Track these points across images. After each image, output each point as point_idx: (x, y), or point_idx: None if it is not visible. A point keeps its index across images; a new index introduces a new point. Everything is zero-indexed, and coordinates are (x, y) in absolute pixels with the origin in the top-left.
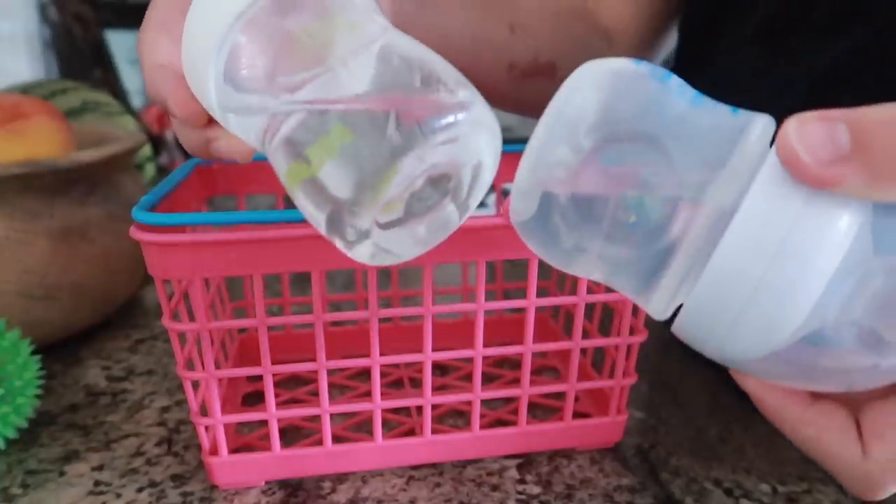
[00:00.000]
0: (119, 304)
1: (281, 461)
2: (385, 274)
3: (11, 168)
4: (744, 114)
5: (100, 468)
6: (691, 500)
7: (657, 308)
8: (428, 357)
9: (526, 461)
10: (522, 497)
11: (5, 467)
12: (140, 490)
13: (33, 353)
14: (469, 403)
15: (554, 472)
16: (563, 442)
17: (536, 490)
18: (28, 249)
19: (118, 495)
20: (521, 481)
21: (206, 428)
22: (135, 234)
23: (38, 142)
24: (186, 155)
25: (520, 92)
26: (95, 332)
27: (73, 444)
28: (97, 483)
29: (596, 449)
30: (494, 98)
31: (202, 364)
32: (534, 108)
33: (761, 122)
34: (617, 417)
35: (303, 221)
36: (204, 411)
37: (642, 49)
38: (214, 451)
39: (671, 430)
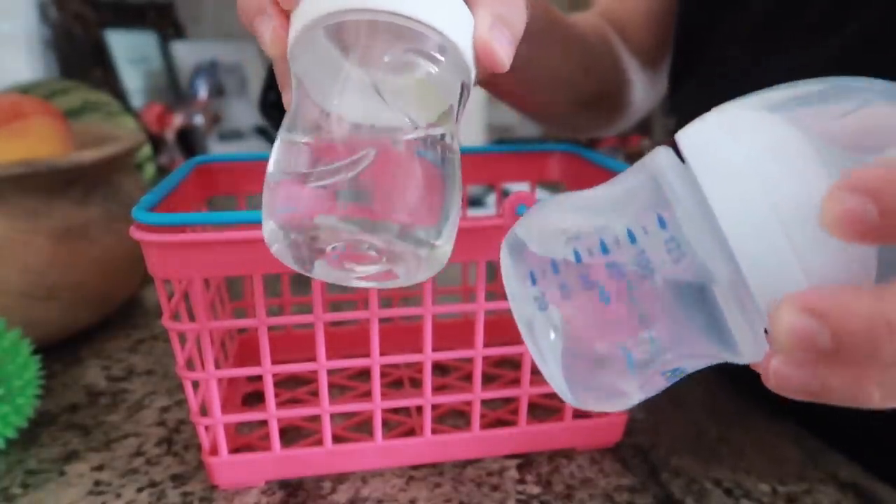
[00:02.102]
0: (119, 304)
1: (281, 461)
2: None
3: (11, 168)
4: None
5: (100, 468)
6: (691, 500)
7: (752, 350)
8: (428, 357)
9: (526, 461)
10: (522, 497)
11: (5, 467)
12: (140, 490)
13: (33, 353)
14: (469, 403)
15: (554, 472)
16: (563, 442)
17: (536, 490)
18: (28, 249)
19: (118, 495)
20: (521, 481)
21: (206, 428)
22: (135, 233)
23: (38, 142)
24: (186, 155)
25: (575, 119)
26: (95, 332)
27: (73, 444)
28: (97, 483)
29: (596, 449)
30: (555, 122)
31: (202, 364)
32: (582, 132)
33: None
34: (616, 417)
35: None
36: (204, 411)
37: (658, 53)
38: (214, 451)
39: (671, 430)
